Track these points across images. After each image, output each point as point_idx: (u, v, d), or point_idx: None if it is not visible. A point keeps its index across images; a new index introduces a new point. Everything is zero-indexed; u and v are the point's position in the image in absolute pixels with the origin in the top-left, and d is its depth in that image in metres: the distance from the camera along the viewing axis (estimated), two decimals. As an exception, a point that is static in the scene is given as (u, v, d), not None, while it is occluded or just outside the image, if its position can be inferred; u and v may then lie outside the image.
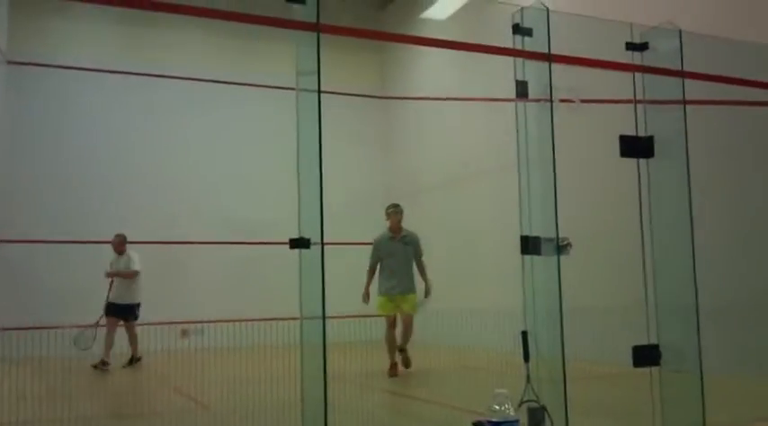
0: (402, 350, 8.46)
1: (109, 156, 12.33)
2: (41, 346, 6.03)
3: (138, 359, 9.66)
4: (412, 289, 8.69)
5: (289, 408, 5.10)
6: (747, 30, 6.92)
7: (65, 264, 11.35)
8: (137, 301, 9.81)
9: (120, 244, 9.91)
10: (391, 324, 8.47)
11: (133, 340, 9.75)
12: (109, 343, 9.48)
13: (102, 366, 9.27)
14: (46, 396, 6.00)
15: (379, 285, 8.68)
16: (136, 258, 9.90)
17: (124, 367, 9.45)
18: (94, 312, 9.59)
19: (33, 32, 11.99)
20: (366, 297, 8.59)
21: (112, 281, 9.79)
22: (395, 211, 8.83)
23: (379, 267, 8.77)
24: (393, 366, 8.30)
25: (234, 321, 7.96)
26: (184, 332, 9.21)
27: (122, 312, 9.75)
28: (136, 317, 9.74)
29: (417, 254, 8.83)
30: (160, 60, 12.69)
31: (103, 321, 9.66)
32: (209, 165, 12.96)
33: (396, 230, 8.81)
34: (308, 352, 4.23)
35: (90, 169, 12.17)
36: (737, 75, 5.98)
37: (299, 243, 4.20)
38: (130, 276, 9.79)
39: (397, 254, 8.71)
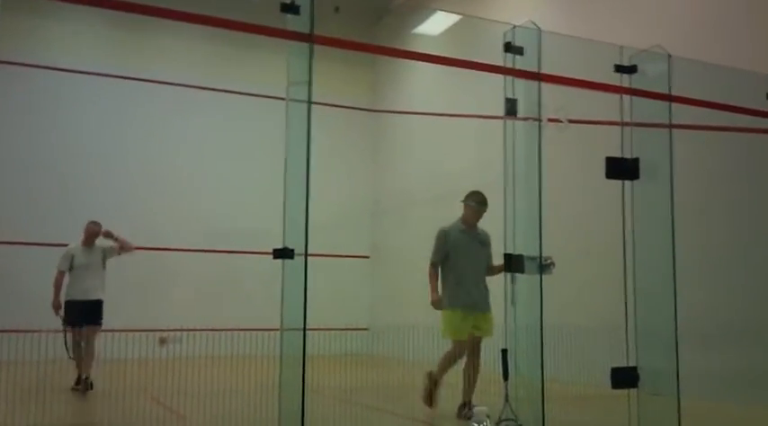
0: (435, 385, 6.37)
1: (93, 160, 12.23)
2: (12, 350, 5.95)
3: (91, 385, 7.62)
4: (489, 305, 6.39)
5: (266, 419, 5.06)
6: (735, 56, 7.00)
7: (42, 268, 11.24)
8: (103, 297, 8.04)
9: (96, 234, 8.14)
10: (461, 352, 6.29)
11: (91, 352, 7.81)
12: (79, 355, 7.75)
13: (76, 386, 7.64)
14: (18, 404, 5.91)
15: (447, 294, 6.39)
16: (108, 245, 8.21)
17: (73, 389, 7.62)
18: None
19: (23, 33, 11.92)
20: (439, 303, 6.36)
21: (73, 275, 7.99)
22: (478, 202, 6.48)
23: (441, 268, 6.52)
24: (430, 394, 6.36)
25: (214, 330, 7.88)
26: (163, 340, 8.86)
27: (89, 312, 7.85)
28: (101, 320, 7.96)
29: (491, 260, 6.51)
30: (150, 65, 12.66)
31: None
32: (195, 172, 12.90)
33: (471, 223, 6.55)
34: (288, 364, 4.21)
35: (73, 172, 12.06)
36: (724, 101, 6.04)
37: (282, 253, 4.19)
38: (131, 249, 8.22)
39: (471, 254, 6.45)
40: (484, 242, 6.53)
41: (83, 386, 7.60)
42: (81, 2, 4.09)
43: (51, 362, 6.36)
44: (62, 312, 7.89)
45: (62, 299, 7.97)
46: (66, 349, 7.74)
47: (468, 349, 6.24)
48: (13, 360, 5.64)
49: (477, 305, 6.31)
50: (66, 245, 8.22)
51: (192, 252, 12.38)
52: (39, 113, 12.04)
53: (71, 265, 8.08)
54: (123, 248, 8.21)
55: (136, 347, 6.75)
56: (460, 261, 6.39)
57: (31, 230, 11.39)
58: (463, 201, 6.54)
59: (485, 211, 6.47)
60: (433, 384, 6.32)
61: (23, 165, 11.80)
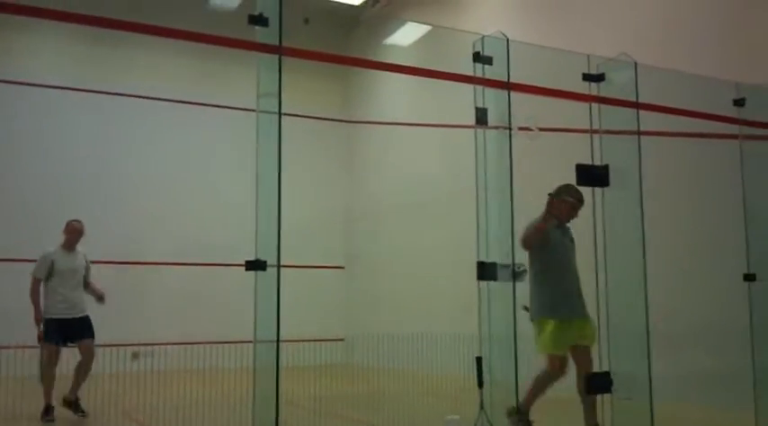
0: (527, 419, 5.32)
1: (65, 174, 12.08)
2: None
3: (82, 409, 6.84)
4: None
5: (240, 433, 5.02)
6: (701, 64, 7.11)
7: (13, 282, 11.05)
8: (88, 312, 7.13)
9: (81, 234, 7.19)
10: (563, 368, 5.31)
11: (87, 370, 6.85)
12: (51, 379, 6.75)
13: (47, 416, 6.63)
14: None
15: (545, 300, 5.39)
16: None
17: (45, 420, 6.61)
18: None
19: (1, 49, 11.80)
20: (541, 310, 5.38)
21: (52, 285, 6.94)
22: (579, 199, 5.47)
23: (536, 270, 5.43)
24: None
25: (186, 343, 7.81)
26: (135, 355, 8.66)
27: (78, 329, 6.90)
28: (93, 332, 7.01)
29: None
30: (121, 79, 12.55)
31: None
32: (166, 185, 12.80)
33: (565, 219, 5.57)
34: (262, 376, 4.18)
35: (45, 186, 11.91)
36: (691, 108, 6.13)
37: (255, 265, 4.16)
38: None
39: (567, 252, 5.57)
40: (573, 240, 5.64)
41: (71, 405, 6.77)
42: (53, 17, 4.05)
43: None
44: (44, 330, 6.81)
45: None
46: (41, 371, 6.75)
47: (577, 363, 5.35)
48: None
49: (578, 310, 5.43)
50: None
51: (163, 265, 12.26)
52: (13, 128, 11.88)
53: (50, 272, 6.95)
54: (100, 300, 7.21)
55: (107, 362, 6.66)
56: (557, 258, 5.45)
57: (4, 245, 11.22)
58: (554, 196, 5.35)
59: (581, 205, 5.51)
60: (524, 420, 5.26)
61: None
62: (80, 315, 7.00)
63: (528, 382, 5.28)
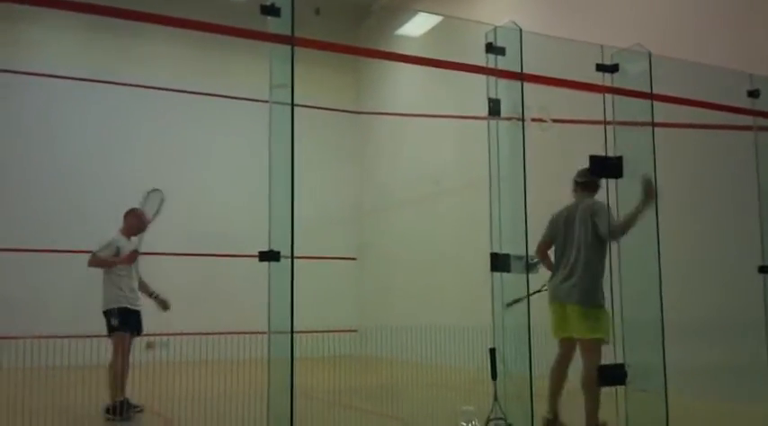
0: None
1: (76, 166, 12.14)
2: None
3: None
4: None
5: (255, 423, 5.05)
6: (715, 54, 7.06)
7: (20, 273, 11.15)
8: None
9: (144, 228, 7.12)
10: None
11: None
12: (125, 372, 6.59)
13: (131, 409, 6.51)
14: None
15: (601, 287, 5.30)
16: None
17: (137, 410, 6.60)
18: (55, 323, 9.23)
19: (5, 39, 11.82)
20: None
21: (118, 278, 6.77)
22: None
23: (599, 255, 5.34)
24: None
25: (201, 334, 7.84)
26: (150, 345, 8.73)
27: (138, 322, 6.87)
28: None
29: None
30: (132, 70, 12.58)
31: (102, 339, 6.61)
32: (180, 176, 12.81)
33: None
34: (276, 367, 4.20)
35: (56, 178, 11.98)
36: (705, 99, 6.09)
37: (268, 255, 4.17)
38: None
39: None
40: None
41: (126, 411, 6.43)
42: (61, 6, 4.06)
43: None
44: (116, 320, 6.63)
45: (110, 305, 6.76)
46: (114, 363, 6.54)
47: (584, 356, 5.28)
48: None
49: None
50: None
51: (177, 256, 12.30)
52: (22, 120, 11.94)
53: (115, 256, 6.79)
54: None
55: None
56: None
57: (15, 236, 11.30)
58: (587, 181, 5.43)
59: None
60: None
61: (5, 171, 11.71)
62: (140, 306, 6.96)
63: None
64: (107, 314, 6.73)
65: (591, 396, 5.12)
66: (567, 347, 5.40)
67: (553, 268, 5.57)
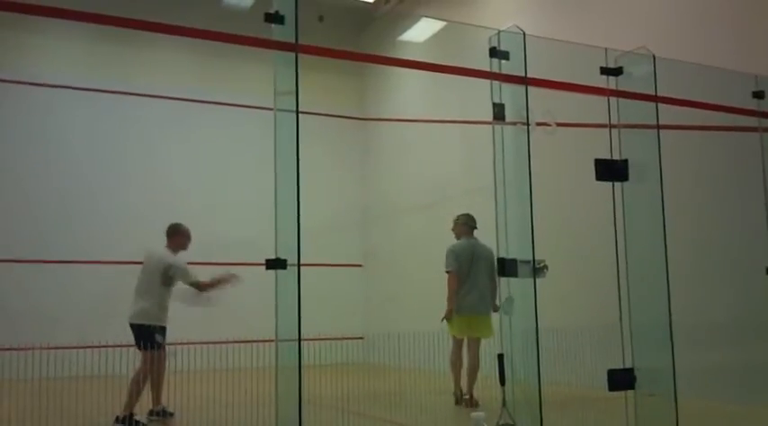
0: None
1: (82, 174, 12.15)
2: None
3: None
4: None
5: (263, 431, 5.03)
6: (720, 56, 7.04)
7: (21, 284, 11.09)
8: None
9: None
10: None
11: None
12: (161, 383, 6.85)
13: (167, 416, 6.72)
14: (15, 419, 5.86)
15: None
16: None
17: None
18: (55, 334, 9.10)
19: (8, 48, 11.87)
20: None
21: (169, 296, 7.14)
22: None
23: None
24: None
25: (208, 343, 7.83)
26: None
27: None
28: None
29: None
30: (137, 79, 12.61)
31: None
32: (185, 184, 12.84)
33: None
34: (284, 375, 4.19)
35: (62, 187, 11.98)
36: (710, 101, 6.07)
37: (275, 263, 4.17)
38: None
39: None
40: None
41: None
42: (65, 17, 4.08)
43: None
44: (161, 337, 6.87)
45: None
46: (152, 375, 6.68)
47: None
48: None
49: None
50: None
51: (184, 265, 12.30)
52: (25, 129, 11.97)
53: (172, 278, 7.14)
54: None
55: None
56: None
57: (19, 246, 11.31)
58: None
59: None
60: None
61: (7, 180, 11.73)
62: None
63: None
64: (150, 328, 6.78)
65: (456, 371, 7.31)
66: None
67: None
